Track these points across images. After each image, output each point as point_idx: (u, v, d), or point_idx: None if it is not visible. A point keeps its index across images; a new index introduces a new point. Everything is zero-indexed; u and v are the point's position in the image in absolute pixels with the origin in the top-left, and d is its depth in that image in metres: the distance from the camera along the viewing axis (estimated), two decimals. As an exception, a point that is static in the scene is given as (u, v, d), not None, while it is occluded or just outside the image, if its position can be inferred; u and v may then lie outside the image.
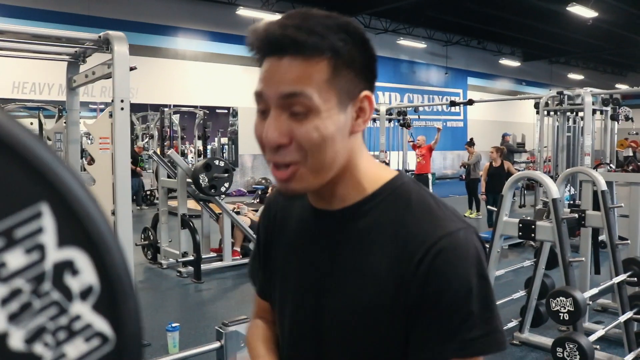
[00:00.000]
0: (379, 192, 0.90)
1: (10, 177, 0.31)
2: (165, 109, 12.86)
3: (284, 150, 0.83)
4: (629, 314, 3.61)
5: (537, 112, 8.16)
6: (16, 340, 0.32)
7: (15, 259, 0.31)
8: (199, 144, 13.36)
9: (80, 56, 4.19)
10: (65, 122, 4.38)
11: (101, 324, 0.34)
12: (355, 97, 0.86)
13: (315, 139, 0.82)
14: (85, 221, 0.33)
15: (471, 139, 12.22)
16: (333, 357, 0.93)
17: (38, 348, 0.32)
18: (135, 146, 12.10)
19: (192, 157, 13.52)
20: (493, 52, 20.83)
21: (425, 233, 0.83)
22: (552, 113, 8.23)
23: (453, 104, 9.95)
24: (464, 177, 10.45)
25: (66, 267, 0.33)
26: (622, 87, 21.69)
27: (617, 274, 3.69)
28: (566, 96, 7.89)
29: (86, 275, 0.34)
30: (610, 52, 21.00)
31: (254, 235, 6.52)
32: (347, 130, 0.86)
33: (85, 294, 0.34)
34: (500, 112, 21.69)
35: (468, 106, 18.09)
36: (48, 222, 0.32)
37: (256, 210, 7.83)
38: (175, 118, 13.42)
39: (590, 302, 3.37)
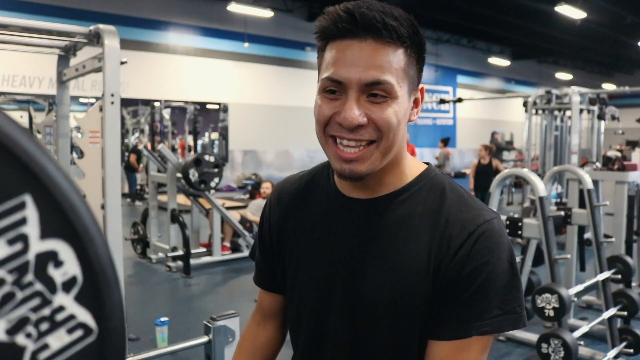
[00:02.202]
0: (415, 182, 0.94)
1: None
2: (156, 104, 12.82)
3: (361, 129, 0.85)
4: (612, 311, 3.66)
5: (526, 111, 8.22)
6: None
7: None
8: (190, 139, 13.33)
9: (70, 49, 4.17)
10: (55, 116, 4.37)
11: (84, 315, 0.34)
12: (416, 87, 0.91)
13: (393, 122, 0.85)
14: (68, 213, 0.33)
15: (447, 138, 12.29)
16: (365, 346, 0.93)
17: (20, 339, 0.32)
18: (138, 141, 11.99)
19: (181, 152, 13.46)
20: (482, 50, 20.90)
21: (465, 220, 0.88)
22: (540, 112, 8.30)
23: (442, 101, 9.99)
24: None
25: (49, 258, 0.33)
26: (609, 87, 21.88)
27: (601, 271, 3.73)
28: (554, 95, 7.96)
29: (69, 266, 0.33)
30: (597, 53, 21.13)
31: (243, 231, 6.54)
32: (407, 118, 0.91)
33: (68, 285, 0.33)
34: (490, 110, 21.79)
35: (457, 104, 18.18)
36: (31, 213, 0.32)
37: (246, 206, 7.84)
38: (166, 113, 13.38)
39: (576, 299, 3.41)
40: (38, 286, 0.33)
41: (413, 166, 0.96)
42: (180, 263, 6.15)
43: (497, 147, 12.95)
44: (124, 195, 11.75)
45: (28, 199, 0.32)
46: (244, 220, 6.79)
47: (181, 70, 13.54)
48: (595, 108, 8.11)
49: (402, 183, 0.93)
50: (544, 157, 8.32)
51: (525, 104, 8.27)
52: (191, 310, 4.96)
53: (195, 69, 13.77)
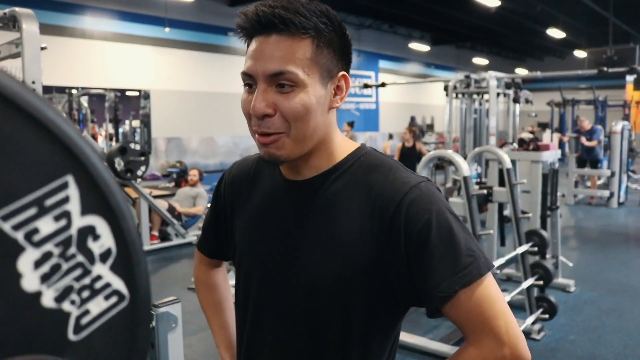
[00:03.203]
0: (345, 161, 0.99)
1: (40, 151, 0.34)
2: (73, 91, 12.29)
3: (269, 120, 0.90)
4: (530, 281, 3.92)
5: (447, 95, 8.51)
6: (48, 299, 0.35)
7: (46, 225, 0.34)
8: (110, 127, 12.89)
9: (-17, 34, 3.95)
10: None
11: (118, 283, 0.38)
12: (334, 75, 0.95)
13: (299, 111, 0.90)
14: (105, 191, 0.36)
15: (352, 122, 12.55)
16: (301, 322, 0.98)
17: (66, 305, 0.35)
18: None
19: (103, 141, 13.01)
20: (403, 36, 21.34)
21: (392, 190, 0.92)
22: (459, 95, 8.61)
23: (366, 86, 10.17)
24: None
25: (89, 232, 0.36)
26: (522, 72, 22.93)
27: (520, 245, 3.98)
28: (473, 80, 8.28)
29: (105, 239, 0.37)
30: (511, 39, 22.08)
31: (172, 220, 6.45)
32: (327, 105, 0.95)
33: (104, 256, 0.37)
34: (411, 94, 22.33)
35: (380, 88, 18.53)
36: (73, 192, 0.35)
37: (173, 194, 7.71)
38: (84, 100, 12.86)
39: (498, 272, 3.62)
40: (80, 258, 0.36)
41: (344, 147, 1.01)
42: (107, 254, 5.98)
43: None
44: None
45: (70, 179, 0.35)
46: (172, 209, 6.69)
47: (99, 56, 13.03)
48: (511, 92, 8.52)
49: (331, 163, 0.99)
50: (464, 139, 8.67)
51: (446, 88, 8.56)
52: (122, 302, 4.87)
53: (115, 54, 13.29)
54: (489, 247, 4.90)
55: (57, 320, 0.35)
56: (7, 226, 0.33)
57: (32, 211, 0.33)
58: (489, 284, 0.88)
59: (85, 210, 0.36)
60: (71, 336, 0.35)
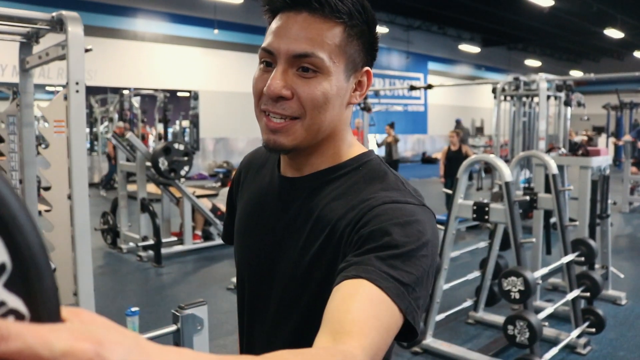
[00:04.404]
0: (345, 164, 0.93)
1: None
2: (125, 92, 12.62)
3: (285, 103, 0.85)
4: (576, 292, 3.76)
5: (495, 97, 8.32)
6: None
7: None
8: (160, 127, 13.18)
9: (32, 37, 4.08)
10: (18, 105, 4.27)
11: (15, 302, 0.34)
12: (358, 69, 0.89)
13: (318, 98, 0.84)
14: None
15: (392, 122, 12.28)
16: (275, 313, 0.96)
17: None
18: (115, 127, 11.71)
19: (153, 141, 13.30)
20: (453, 37, 21.05)
21: (375, 200, 0.84)
22: (509, 98, 8.40)
23: (413, 88, 10.04)
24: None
25: None
26: (576, 74, 22.26)
27: (566, 254, 3.82)
28: (522, 82, 8.07)
29: None
30: (565, 40, 21.46)
31: (215, 219, 6.52)
32: (345, 99, 0.89)
33: None
34: (460, 96, 22.00)
35: (428, 90, 18.31)
36: None
37: (217, 195, 7.80)
38: (135, 101, 13.19)
39: (541, 282, 3.49)
40: None
41: (349, 149, 0.95)
42: (151, 252, 6.11)
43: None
44: (92, 184, 11.59)
45: None
46: (215, 209, 6.76)
47: (150, 57, 13.35)
48: (562, 94, 8.25)
49: (332, 163, 0.93)
50: (513, 143, 8.45)
51: (494, 91, 8.37)
52: (162, 300, 4.94)
53: (165, 56, 13.59)
54: (533, 255, 4.74)
55: None
56: None
57: None
58: (387, 313, 0.71)
59: None
60: None
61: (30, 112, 4.21)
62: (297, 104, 0.85)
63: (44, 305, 0.35)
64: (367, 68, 0.91)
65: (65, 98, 3.48)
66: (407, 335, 0.76)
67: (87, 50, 3.56)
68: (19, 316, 0.34)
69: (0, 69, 10.91)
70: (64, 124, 3.57)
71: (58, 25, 3.58)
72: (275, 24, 0.86)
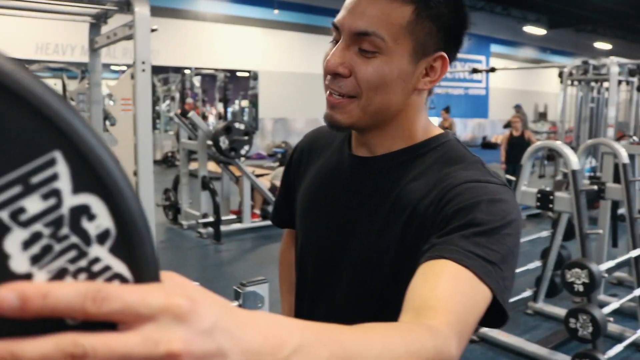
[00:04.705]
0: (422, 145, 0.91)
1: (23, 126, 0.32)
2: (186, 71, 12.86)
3: (342, 80, 0.83)
4: (644, 287, 3.61)
5: (561, 82, 8.02)
6: (40, 281, 0.33)
7: (33, 204, 0.32)
8: (220, 106, 13.39)
9: (101, 17, 4.20)
10: (87, 84, 4.42)
11: (120, 266, 0.35)
12: (429, 53, 0.85)
13: (375, 80, 0.82)
14: (98, 168, 0.34)
15: (448, 107, 11.91)
16: (344, 295, 0.94)
17: None
18: (185, 104, 12.03)
19: (213, 120, 13.53)
20: (518, 18, 20.37)
21: (457, 178, 0.82)
22: (576, 83, 8.08)
23: (475, 71, 9.81)
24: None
25: (82, 212, 0.34)
26: (651, 57, 21.14)
27: (634, 248, 3.67)
28: (591, 66, 7.74)
29: (102, 219, 0.34)
30: (639, 20, 20.40)
31: (273, 198, 6.59)
32: (412, 84, 0.86)
33: (102, 237, 0.34)
34: (524, 80, 21.33)
35: (490, 74, 17.83)
36: (62, 169, 0.33)
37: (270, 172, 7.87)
38: (196, 80, 13.42)
39: (606, 275, 3.37)
40: (74, 239, 0.34)
41: (425, 131, 0.92)
42: (210, 229, 6.25)
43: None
44: (154, 162, 11.91)
45: (58, 155, 0.33)
46: (273, 188, 6.84)
47: (211, 37, 13.53)
48: (635, 79, 7.86)
49: (405, 145, 0.91)
50: (579, 130, 8.14)
51: (560, 75, 8.06)
52: (221, 276, 5.06)
53: (225, 36, 13.74)
54: (598, 247, 4.57)
55: None
56: None
57: (16, 189, 0.32)
58: (479, 293, 0.69)
59: (77, 189, 0.33)
60: (69, 320, 0.33)
61: (99, 90, 4.35)
62: (353, 83, 0.83)
63: (146, 270, 0.36)
64: (441, 53, 0.86)
65: (132, 77, 3.58)
66: (495, 319, 0.74)
67: (152, 30, 3.64)
68: (123, 280, 0.35)
69: (70, 48, 11.30)
70: (131, 102, 3.67)
71: (126, 6, 3.66)
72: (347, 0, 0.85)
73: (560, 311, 3.86)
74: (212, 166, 7.06)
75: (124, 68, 12.46)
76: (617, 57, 7.74)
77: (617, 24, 21.83)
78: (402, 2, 0.80)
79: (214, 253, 5.90)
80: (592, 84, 7.98)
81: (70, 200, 0.33)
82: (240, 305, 2.01)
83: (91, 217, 0.34)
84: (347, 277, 0.93)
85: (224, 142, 6.14)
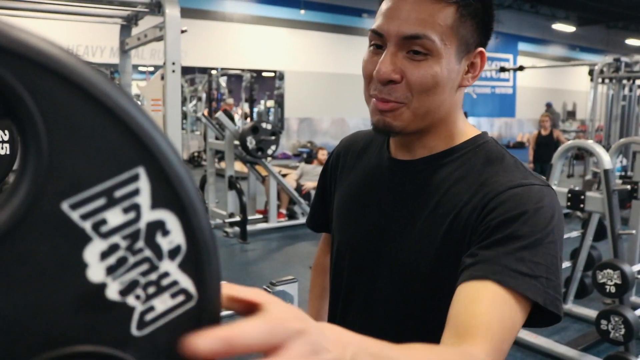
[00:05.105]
0: (461, 146, 0.91)
1: (113, 141, 0.33)
2: (213, 72, 12.96)
3: (393, 87, 0.84)
4: (678, 289, 3.55)
5: (591, 80, 7.89)
6: (112, 292, 0.34)
7: (115, 217, 0.34)
8: (246, 106, 13.46)
9: (132, 19, 4.27)
10: (118, 84, 4.50)
11: (186, 282, 0.37)
12: (471, 50, 0.87)
13: (428, 82, 0.83)
14: (177, 185, 0.35)
15: (465, 112, 11.72)
16: (390, 304, 0.94)
17: (131, 300, 0.35)
18: (223, 103, 12.21)
19: (239, 120, 13.62)
20: (546, 16, 20.06)
21: (499, 184, 0.83)
22: (606, 81, 7.95)
23: (503, 69, 9.72)
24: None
25: (158, 227, 0.35)
26: (684, 54, 20.65)
27: (668, 248, 3.61)
28: (623, 63, 7.60)
29: (175, 235, 0.36)
30: (673, 17, 19.96)
31: (299, 198, 6.62)
32: (457, 82, 0.87)
33: (173, 253, 0.36)
34: (552, 79, 21.01)
35: (518, 72, 17.61)
36: (144, 184, 0.34)
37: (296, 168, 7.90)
38: (223, 81, 13.52)
39: (639, 276, 3.31)
40: (147, 252, 0.35)
41: (465, 130, 0.93)
42: (237, 229, 6.29)
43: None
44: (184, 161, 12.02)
45: (142, 171, 0.34)
46: (299, 188, 6.86)
47: (237, 38, 13.61)
48: (668, 77, 7.70)
49: (448, 146, 0.91)
50: (609, 129, 8.00)
51: (591, 72, 7.94)
52: (248, 275, 5.09)
53: (252, 36, 13.81)
54: (630, 248, 4.49)
55: (120, 313, 0.35)
56: (75, 215, 0.33)
57: (101, 201, 0.33)
58: (518, 310, 0.73)
59: (155, 204, 0.35)
60: (134, 331, 0.35)
61: (129, 91, 4.42)
62: (405, 88, 0.83)
63: (211, 288, 0.38)
64: (480, 49, 0.88)
65: (162, 78, 3.63)
66: (548, 319, 0.79)
67: (182, 32, 3.69)
68: (188, 296, 0.37)
69: (100, 50, 11.49)
70: (161, 102, 3.72)
71: (156, 8, 3.72)
72: (385, 5, 0.85)
73: (590, 312, 3.80)
74: (239, 166, 7.12)
75: (152, 69, 12.63)
76: (650, 55, 7.59)
77: (649, 21, 21.38)
78: (445, 3, 0.81)
79: (241, 252, 5.94)
80: (624, 81, 7.84)
81: (148, 215, 0.35)
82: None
83: (165, 232, 0.36)
84: (384, 280, 0.94)
85: (251, 142, 6.18)
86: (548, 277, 0.75)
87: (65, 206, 0.33)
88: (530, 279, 0.73)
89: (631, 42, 22.93)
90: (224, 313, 0.42)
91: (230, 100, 12.33)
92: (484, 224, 0.80)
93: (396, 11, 0.82)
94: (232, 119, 8.97)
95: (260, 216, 6.82)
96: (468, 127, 0.94)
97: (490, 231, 0.78)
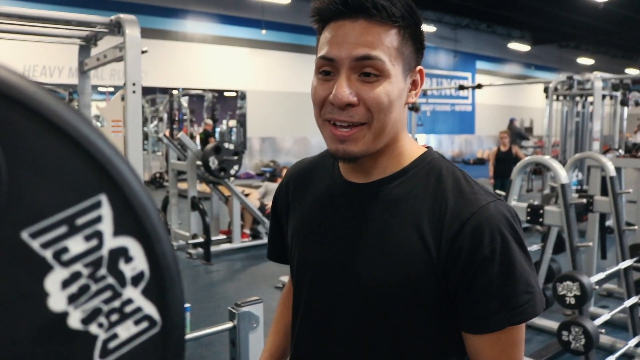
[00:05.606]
0: (412, 166, 0.94)
1: (74, 168, 0.33)
2: (174, 92, 12.87)
3: (352, 110, 0.85)
4: (634, 299, 3.64)
5: (547, 97, 8.12)
6: (74, 320, 0.34)
7: (76, 244, 0.33)
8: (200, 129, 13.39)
9: (91, 39, 4.20)
10: (76, 105, 4.42)
11: (150, 308, 0.36)
12: (412, 68, 0.90)
13: (384, 101, 0.85)
14: (139, 212, 0.35)
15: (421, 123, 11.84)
16: (349, 329, 0.94)
17: (93, 328, 0.35)
18: (204, 124, 12.21)
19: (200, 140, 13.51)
20: (502, 35, 20.64)
21: (458, 207, 0.86)
22: (561, 98, 8.19)
23: (462, 87, 9.91)
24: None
25: (121, 254, 0.35)
26: (633, 72, 21.49)
27: (623, 259, 3.71)
28: (576, 81, 7.85)
29: (138, 262, 0.36)
30: (620, 37, 20.75)
31: (263, 218, 6.59)
32: (404, 100, 0.90)
33: (136, 279, 0.36)
34: (509, 96, 21.55)
35: (476, 90, 18.01)
36: (106, 211, 0.34)
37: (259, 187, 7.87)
38: (184, 101, 13.43)
39: (597, 287, 3.39)
40: (110, 280, 0.35)
41: (411, 149, 0.95)
42: (200, 250, 6.22)
43: (517, 134, 12.83)
44: (144, 182, 11.85)
45: (104, 198, 0.34)
46: (263, 207, 6.83)
47: (199, 58, 13.57)
48: (618, 94, 7.98)
49: (398, 167, 0.93)
50: (565, 144, 8.22)
51: (546, 90, 8.17)
52: (212, 297, 5.02)
53: (213, 56, 13.79)
54: (587, 259, 4.61)
55: (83, 342, 0.34)
56: (35, 244, 0.32)
57: (62, 230, 0.33)
58: (524, 325, 0.88)
59: (118, 231, 0.35)
60: None
61: (89, 112, 4.34)
62: (363, 110, 0.85)
63: (175, 313, 0.38)
64: (420, 67, 0.92)
65: (123, 98, 3.58)
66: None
67: (143, 52, 3.65)
68: (152, 322, 0.37)
69: (58, 70, 11.28)
70: (121, 123, 3.67)
71: (116, 28, 3.67)
72: (329, 33, 0.87)
73: (551, 324, 3.87)
74: (201, 186, 7.05)
75: (112, 89, 12.46)
76: (600, 72, 7.86)
77: (599, 40, 22.19)
78: (389, 26, 0.85)
79: (205, 274, 5.86)
80: (577, 98, 8.09)
81: (111, 242, 0.35)
82: (235, 326, 2.01)
83: (128, 259, 0.35)
84: (346, 300, 0.94)
85: (213, 163, 6.15)
86: (527, 289, 0.85)
87: (25, 235, 0.32)
88: (519, 306, 0.84)
89: (582, 60, 23.76)
90: (188, 336, 0.41)
91: (209, 121, 12.40)
92: (462, 261, 0.85)
93: (344, 37, 0.84)
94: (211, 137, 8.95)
95: (224, 237, 6.75)
96: (413, 145, 0.97)
97: (472, 276, 0.84)
